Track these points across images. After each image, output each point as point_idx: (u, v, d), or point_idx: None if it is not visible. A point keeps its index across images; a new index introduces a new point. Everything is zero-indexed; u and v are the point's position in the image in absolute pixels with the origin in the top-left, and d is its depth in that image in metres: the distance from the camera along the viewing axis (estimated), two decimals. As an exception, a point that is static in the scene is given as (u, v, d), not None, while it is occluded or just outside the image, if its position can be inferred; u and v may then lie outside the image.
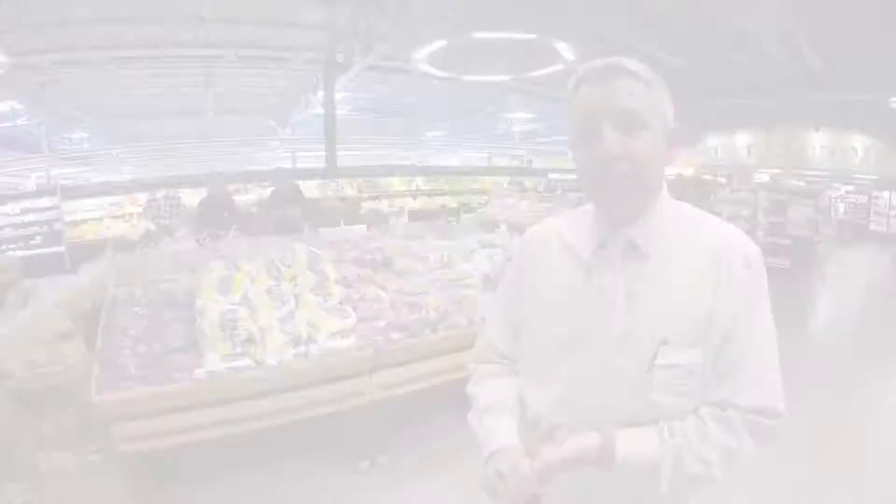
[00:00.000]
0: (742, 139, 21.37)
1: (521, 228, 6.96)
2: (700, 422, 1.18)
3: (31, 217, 11.35)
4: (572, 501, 1.34)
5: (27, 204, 11.52)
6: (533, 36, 10.06)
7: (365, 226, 5.21)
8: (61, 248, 11.08)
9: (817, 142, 18.75)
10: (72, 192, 12.29)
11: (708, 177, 17.15)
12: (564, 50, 10.14)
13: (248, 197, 13.29)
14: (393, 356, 3.59)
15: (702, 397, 1.21)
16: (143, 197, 12.03)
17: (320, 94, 16.81)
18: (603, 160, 1.14)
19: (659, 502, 1.26)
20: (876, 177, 17.75)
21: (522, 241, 1.49)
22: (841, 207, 16.17)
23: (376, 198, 15.02)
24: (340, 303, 3.64)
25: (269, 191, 8.35)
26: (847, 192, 18.15)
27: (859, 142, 17.61)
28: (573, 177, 18.43)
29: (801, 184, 14.48)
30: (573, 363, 1.27)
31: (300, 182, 13.87)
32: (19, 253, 10.13)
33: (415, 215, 10.80)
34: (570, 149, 1.31)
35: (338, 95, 17.77)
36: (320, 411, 3.49)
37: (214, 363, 2.99)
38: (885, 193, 16.72)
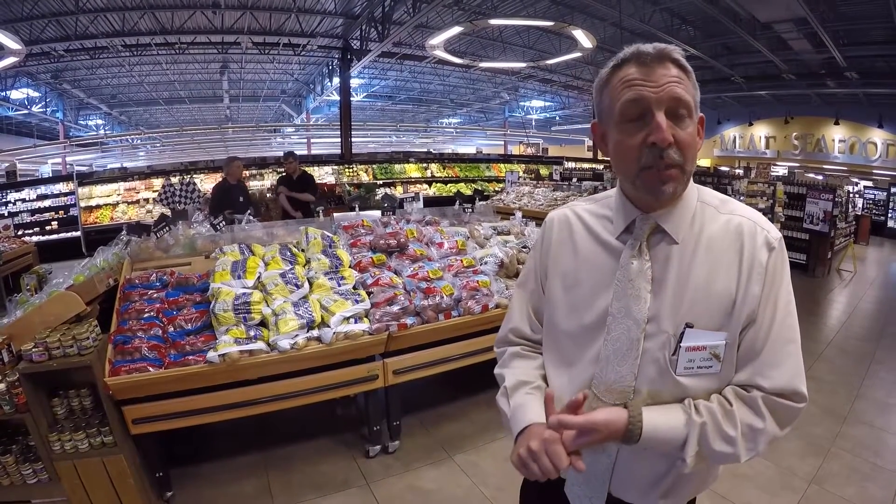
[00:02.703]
0: (760, 130, 21.12)
1: (535, 216, 6.93)
2: (725, 401, 1.20)
3: (47, 202, 11.52)
4: (596, 481, 1.35)
5: (43, 190, 11.63)
6: (550, 23, 9.96)
7: (379, 211, 5.17)
8: (77, 233, 11.18)
9: (836, 135, 18.50)
10: (87, 178, 12.38)
11: (725, 168, 17.01)
12: (582, 38, 10.03)
13: (264, 182, 13.37)
14: (406, 341, 3.57)
15: (729, 380, 1.23)
16: (158, 182, 12.12)
17: (336, 80, 16.83)
18: (655, 147, 1.14)
19: (681, 483, 1.30)
20: (895, 173, 17.53)
21: (544, 225, 1.50)
22: (859, 203, 15.97)
23: (391, 184, 15.03)
24: (354, 287, 3.63)
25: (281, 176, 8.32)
26: (865, 188, 17.95)
27: (878, 136, 17.34)
28: (588, 165, 18.40)
29: (819, 177, 14.35)
30: (599, 347, 1.28)
31: (316, 167, 14.03)
32: (35, 238, 10.25)
33: (429, 202, 10.80)
34: (602, 131, 1.29)
35: (353, 82, 17.79)
36: (332, 395, 3.50)
37: (228, 346, 2.98)
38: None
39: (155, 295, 3.44)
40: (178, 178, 11.62)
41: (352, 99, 17.26)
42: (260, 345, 3.09)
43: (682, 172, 1.17)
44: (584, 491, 1.37)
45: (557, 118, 28.28)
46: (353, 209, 5.81)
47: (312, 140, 27.11)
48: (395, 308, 3.51)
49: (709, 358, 1.19)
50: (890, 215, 17.04)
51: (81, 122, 21.72)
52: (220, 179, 7.47)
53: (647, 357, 1.23)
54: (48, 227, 11.22)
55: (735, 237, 1.22)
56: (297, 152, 8.42)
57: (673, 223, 1.24)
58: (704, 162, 21.91)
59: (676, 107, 1.14)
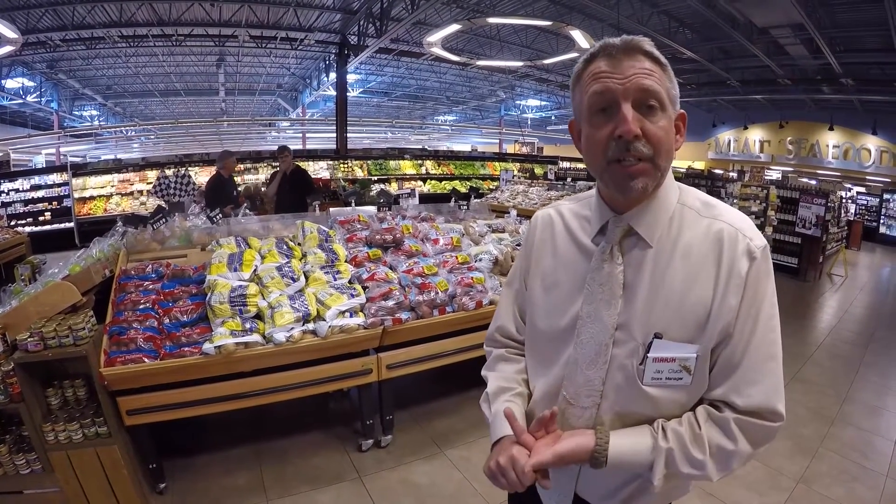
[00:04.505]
0: (755, 134, 21.20)
1: (530, 215, 6.95)
2: (695, 423, 1.17)
3: (40, 193, 11.43)
4: (564, 483, 1.37)
5: (37, 180, 11.55)
6: (548, 22, 9.98)
7: (375, 207, 5.18)
8: (70, 224, 11.13)
9: (830, 140, 18.59)
10: (81, 169, 12.31)
11: (719, 171, 17.06)
12: (579, 38, 10.05)
13: (258, 176, 13.35)
14: (400, 336, 3.59)
15: (701, 393, 1.21)
16: (152, 174, 12.08)
17: (332, 75, 16.80)
18: (621, 140, 1.09)
19: (643, 492, 1.28)
20: (888, 179, 17.62)
21: (529, 224, 1.49)
22: (851, 208, 16.06)
23: (386, 180, 15.04)
24: (350, 282, 3.65)
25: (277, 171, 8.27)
26: (858, 194, 18.04)
27: (872, 142, 17.44)
28: (582, 165, 18.42)
29: (813, 182, 14.43)
30: (569, 350, 1.27)
31: (310, 162, 14.00)
32: (28, 228, 10.20)
33: (424, 198, 10.81)
34: (573, 126, 1.27)
35: (349, 77, 17.74)
36: (326, 389, 3.52)
37: (223, 338, 2.99)
38: (897, 197, 16.68)
39: (151, 286, 3.45)
40: (172, 170, 11.55)
41: (348, 94, 17.23)
42: (255, 337, 3.10)
43: (654, 167, 1.12)
44: (553, 490, 1.36)
45: (553, 118, 28.31)
46: (348, 204, 5.81)
47: (307, 135, 27.08)
48: (390, 303, 3.53)
49: (678, 370, 1.16)
50: (882, 221, 17.13)
51: (76, 113, 21.60)
52: (215, 173, 7.44)
53: (615, 364, 1.20)
54: (41, 218, 11.14)
55: (714, 244, 1.15)
56: (292, 147, 8.33)
57: (646, 226, 1.20)
58: (699, 164, 21.99)
59: (645, 98, 1.10)
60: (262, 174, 13.55)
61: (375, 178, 14.89)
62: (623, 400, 1.21)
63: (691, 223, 1.20)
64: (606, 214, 1.24)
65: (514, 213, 5.88)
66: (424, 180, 15.95)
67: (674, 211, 1.21)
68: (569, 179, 11.77)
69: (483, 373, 1.54)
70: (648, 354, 1.16)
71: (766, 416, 1.14)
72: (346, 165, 14.98)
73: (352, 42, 14.63)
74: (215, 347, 2.96)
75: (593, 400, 1.23)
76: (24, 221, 10.80)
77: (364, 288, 3.62)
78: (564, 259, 1.34)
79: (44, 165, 16.41)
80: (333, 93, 17.31)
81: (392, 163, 15.98)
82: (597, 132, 1.14)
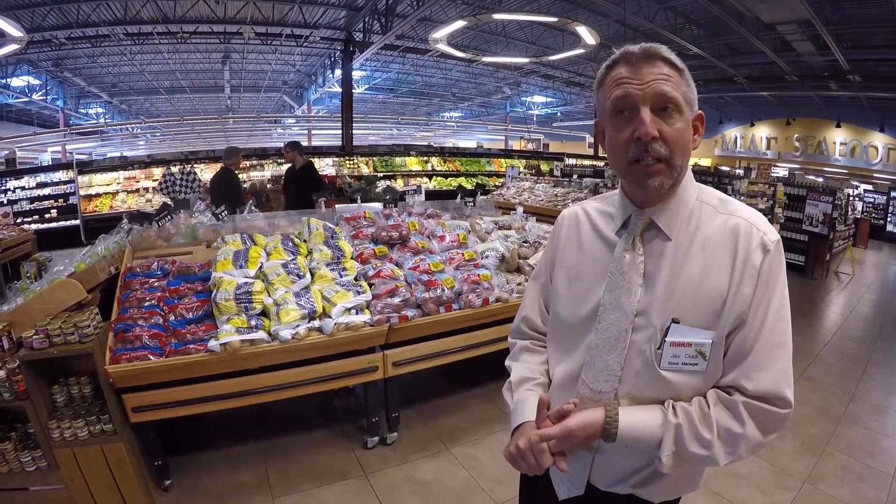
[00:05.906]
0: (761, 131, 21.11)
1: (536, 212, 6.94)
2: (704, 403, 1.23)
3: (46, 191, 11.47)
4: (577, 470, 1.40)
5: (43, 178, 11.59)
6: (554, 19, 9.94)
7: (381, 203, 5.17)
8: (76, 221, 11.16)
9: (837, 138, 18.49)
10: (87, 167, 12.34)
11: (725, 168, 16.99)
12: (585, 34, 10.01)
13: (264, 173, 13.34)
14: (406, 333, 3.58)
15: (715, 379, 1.25)
16: (158, 171, 12.10)
17: (337, 72, 16.80)
18: (640, 142, 1.18)
19: (654, 479, 1.34)
20: (895, 177, 17.52)
21: (556, 222, 1.56)
22: (859, 206, 15.99)
23: (391, 177, 15.04)
24: (356, 278, 3.63)
25: (284, 167, 8.23)
26: (865, 191, 17.95)
27: (880, 140, 17.33)
28: (588, 162, 18.39)
29: (820, 179, 14.36)
30: (590, 336, 1.33)
31: (316, 159, 14.00)
32: (34, 226, 10.23)
33: (430, 195, 10.80)
34: (598, 127, 1.35)
35: (355, 74, 17.73)
36: (332, 386, 3.51)
37: (229, 335, 2.99)
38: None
39: (156, 283, 3.44)
40: (178, 167, 11.59)
41: (353, 91, 17.23)
42: (261, 334, 3.09)
43: (669, 167, 1.20)
44: (566, 475, 1.41)
45: (559, 114, 28.27)
46: (353, 201, 5.80)
47: (313, 131, 27.07)
48: (397, 300, 3.52)
49: (694, 355, 1.21)
50: (889, 219, 17.05)
51: (82, 111, 21.65)
52: (226, 168, 7.38)
53: (634, 349, 1.26)
54: (47, 215, 11.19)
55: (730, 238, 1.23)
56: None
57: (667, 220, 1.27)
58: (705, 161, 21.92)
59: (662, 103, 1.18)
60: (268, 171, 13.55)
61: (381, 174, 14.90)
62: (640, 384, 1.27)
63: (709, 218, 1.28)
64: (629, 209, 1.32)
65: (520, 209, 5.87)
66: (430, 177, 15.96)
67: (692, 207, 1.29)
68: (574, 176, 11.72)
69: (507, 363, 1.61)
70: (666, 339, 1.21)
71: (774, 401, 1.19)
72: (351, 162, 14.98)
73: (357, 39, 14.62)
74: (221, 345, 2.95)
75: (611, 384, 1.29)
76: (30, 219, 10.84)
77: (370, 285, 3.61)
78: (589, 252, 1.41)
79: (50, 163, 16.47)
80: (339, 89, 17.32)
81: (398, 159, 15.99)
82: (618, 134, 1.23)
